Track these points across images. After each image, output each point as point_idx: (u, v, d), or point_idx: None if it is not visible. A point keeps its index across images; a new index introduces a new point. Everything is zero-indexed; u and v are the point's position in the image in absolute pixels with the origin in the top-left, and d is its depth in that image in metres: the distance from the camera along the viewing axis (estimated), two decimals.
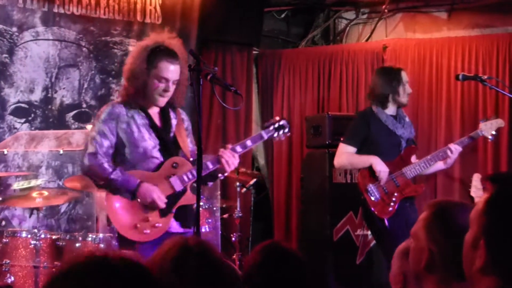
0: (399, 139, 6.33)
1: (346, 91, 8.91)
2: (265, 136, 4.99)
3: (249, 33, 9.04)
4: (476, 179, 6.87)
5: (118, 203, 4.65)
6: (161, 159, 4.72)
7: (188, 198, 4.75)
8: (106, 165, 4.62)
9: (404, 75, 6.40)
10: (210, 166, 4.73)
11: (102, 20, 7.86)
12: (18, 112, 7.37)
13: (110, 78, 7.96)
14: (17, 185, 6.88)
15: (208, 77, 4.42)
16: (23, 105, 7.41)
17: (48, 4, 7.49)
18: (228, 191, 8.31)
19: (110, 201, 4.68)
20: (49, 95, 7.57)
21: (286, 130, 5.05)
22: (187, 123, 4.99)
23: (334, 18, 9.69)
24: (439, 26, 8.78)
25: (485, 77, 6.21)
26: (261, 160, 9.40)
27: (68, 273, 1.57)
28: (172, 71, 4.70)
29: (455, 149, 6.26)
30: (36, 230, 6.09)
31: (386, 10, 8.83)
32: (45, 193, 6.31)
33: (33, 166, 7.41)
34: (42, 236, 6.11)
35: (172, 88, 4.71)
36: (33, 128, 7.42)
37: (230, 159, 4.74)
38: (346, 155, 6.38)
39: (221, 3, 8.54)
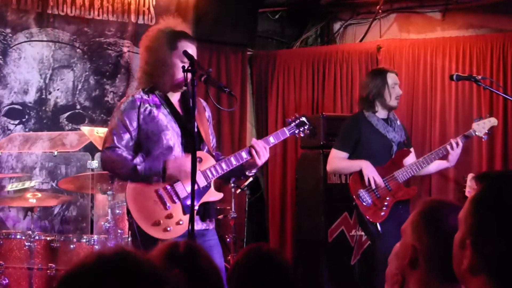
0: (390, 142, 6.32)
1: (341, 91, 8.91)
2: (287, 133, 4.91)
3: (244, 33, 9.03)
4: (470, 179, 6.87)
5: (140, 199, 4.51)
6: (182, 151, 4.60)
7: (211, 195, 4.65)
8: (125, 154, 4.51)
9: (392, 77, 6.37)
10: (245, 156, 4.65)
11: (96, 21, 7.85)
12: (12, 113, 7.37)
13: (104, 79, 7.95)
14: (10, 187, 6.87)
15: (202, 78, 4.40)
16: (17, 106, 7.40)
17: (42, 5, 7.48)
18: (222, 192, 8.29)
19: (132, 196, 4.53)
20: (43, 96, 7.56)
21: (307, 126, 4.98)
22: (208, 113, 4.92)
23: (329, 18, 9.69)
24: (433, 27, 8.78)
25: (479, 77, 6.20)
26: None
27: (78, 273, 1.55)
28: (193, 49, 4.61)
29: (456, 143, 6.22)
30: (30, 232, 6.08)
31: (380, 11, 8.83)
32: (39, 194, 6.30)
33: (27, 167, 7.40)
34: (37, 237, 6.10)
35: None
36: (27, 130, 7.41)
37: (262, 150, 4.65)
38: (337, 160, 6.38)
39: (215, 4, 8.53)
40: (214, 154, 4.79)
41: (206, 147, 4.74)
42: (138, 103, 4.60)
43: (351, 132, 6.40)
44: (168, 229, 4.49)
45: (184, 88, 4.60)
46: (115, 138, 4.56)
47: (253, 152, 4.65)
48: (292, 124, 4.96)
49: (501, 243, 1.82)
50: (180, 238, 4.38)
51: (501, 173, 2.08)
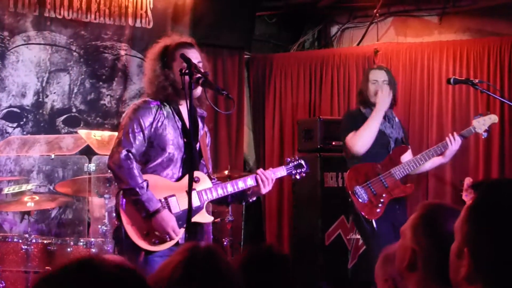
0: (387, 138, 6.30)
1: (338, 95, 8.92)
2: (285, 172, 4.95)
3: (241, 37, 9.03)
4: (467, 182, 6.88)
5: (133, 208, 4.47)
6: (181, 166, 4.58)
7: (203, 217, 4.63)
8: (136, 171, 4.42)
9: (374, 73, 6.39)
10: (250, 182, 4.69)
11: (93, 24, 7.84)
12: (10, 116, 7.36)
13: (100, 83, 7.94)
14: (8, 190, 6.86)
15: (200, 81, 4.39)
16: (15, 109, 7.39)
17: (39, 8, 7.48)
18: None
19: (125, 203, 4.49)
20: (41, 99, 7.55)
21: (304, 169, 5.03)
22: (208, 139, 4.91)
23: (326, 22, 9.70)
24: (430, 30, 8.80)
25: (476, 80, 6.19)
26: (252, 164, 9.40)
27: (54, 277, 1.56)
28: (191, 53, 4.56)
29: (455, 139, 6.20)
30: (27, 235, 6.07)
31: (377, 14, 8.84)
32: (36, 197, 6.30)
33: (25, 170, 7.39)
34: (33, 241, 6.10)
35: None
36: (24, 133, 7.40)
37: (269, 179, 4.70)
38: (359, 135, 6.22)
39: (213, 7, 8.53)
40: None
41: (205, 169, 4.75)
42: (154, 109, 4.56)
43: (351, 121, 6.37)
44: (155, 242, 4.47)
45: (197, 90, 4.53)
46: (132, 140, 4.48)
47: (259, 180, 4.69)
48: (290, 164, 5.01)
49: (497, 252, 1.82)
50: (165, 253, 4.38)
51: (496, 181, 2.07)
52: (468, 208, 1.92)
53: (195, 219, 4.56)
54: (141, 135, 4.51)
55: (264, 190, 4.71)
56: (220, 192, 4.65)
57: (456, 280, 1.93)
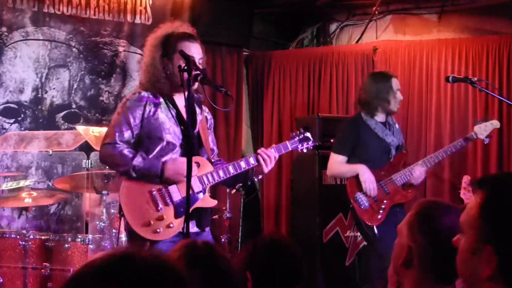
0: (388, 146, 6.29)
1: (336, 92, 8.91)
2: (290, 147, 4.84)
3: (239, 34, 9.02)
4: (466, 181, 6.88)
5: (133, 198, 4.49)
6: (180, 153, 4.57)
7: (205, 201, 4.62)
8: (126, 151, 4.48)
9: (395, 83, 6.30)
10: (252, 162, 4.65)
11: (92, 20, 7.84)
12: (7, 112, 7.35)
13: (100, 79, 7.93)
14: (6, 186, 6.85)
15: (199, 78, 4.39)
16: (12, 105, 7.38)
17: (38, 4, 7.47)
18: (217, 192, 8.28)
19: (125, 194, 4.51)
20: (39, 95, 7.54)
21: (310, 142, 4.93)
22: (210, 121, 4.90)
23: (325, 20, 9.69)
24: (429, 28, 8.79)
25: (475, 79, 6.17)
26: None
27: (89, 272, 1.51)
28: (194, 48, 4.59)
29: (419, 171, 6.23)
30: (25, 231, 6.06)
31: (376, 12, 8.83)
32: (34, 193, 6.29)
33: (22, 166, 7.38)
34: (31, 237, 6.08)
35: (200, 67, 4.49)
36: (22, 129, 7.39)
37: (271, 157, 4.65)
38: (336, 164, 6.34)
39: (212, 4, 8.52)
40: (214, 161, 4.78)
41: (206, 155, 4.73)
42: (145, 101, 4.57)
43: (349, 135, 6.35)
44: (158, 230, 4.46)
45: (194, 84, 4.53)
46: (117, 134, 4.53)
47: (261, 159, 4.64)
48: (295, 138, 4.90)
49: None
50: (169, 242, 4.39)
51: (502, 175, 2.04)
52: (480, 205, 1.90)
53: (198, 204, 4.57)
54: (129, 130, 4.56)
55: (267, 169, 4.65)
56: (221, 174, 4.62)
57: (473, 279, 1.90)
